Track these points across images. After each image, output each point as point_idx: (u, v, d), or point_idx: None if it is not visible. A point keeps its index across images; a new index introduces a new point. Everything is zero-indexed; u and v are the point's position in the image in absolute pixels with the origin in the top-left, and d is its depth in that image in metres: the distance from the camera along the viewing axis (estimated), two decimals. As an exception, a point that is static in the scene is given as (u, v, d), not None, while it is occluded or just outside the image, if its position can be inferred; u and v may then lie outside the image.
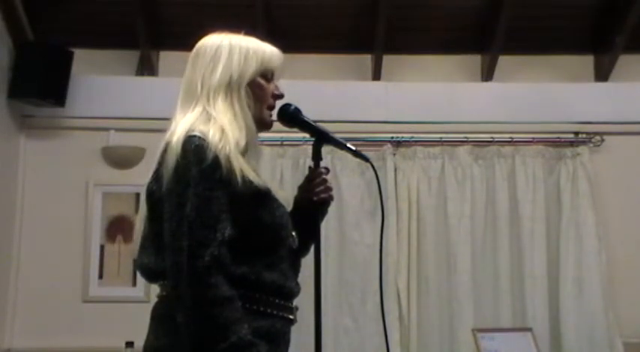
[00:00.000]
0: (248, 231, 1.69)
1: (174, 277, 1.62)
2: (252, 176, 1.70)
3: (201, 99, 1.78)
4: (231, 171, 1.66)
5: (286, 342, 1.77)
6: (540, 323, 4.16)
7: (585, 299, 4.21)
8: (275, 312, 1.73)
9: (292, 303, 1.79)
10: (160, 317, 1.73)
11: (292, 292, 1.79)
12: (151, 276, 1.78)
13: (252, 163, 1.75)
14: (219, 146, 1.67)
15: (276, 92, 1.88)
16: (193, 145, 1.66)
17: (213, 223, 1.62)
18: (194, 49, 1.87)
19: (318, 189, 1.90)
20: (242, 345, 1.58)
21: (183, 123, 1.73)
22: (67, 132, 4.42)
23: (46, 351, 4.16)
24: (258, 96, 1.83)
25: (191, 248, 1.60)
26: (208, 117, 1.74)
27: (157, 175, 1.73)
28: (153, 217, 1.74)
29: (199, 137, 1.68)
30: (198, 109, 1.76)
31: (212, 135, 1.68)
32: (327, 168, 1.94)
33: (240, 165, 1.68)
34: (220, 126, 1.72)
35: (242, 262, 1.67)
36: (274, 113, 1.90)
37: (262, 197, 1.73)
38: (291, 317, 1.78)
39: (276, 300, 1.73)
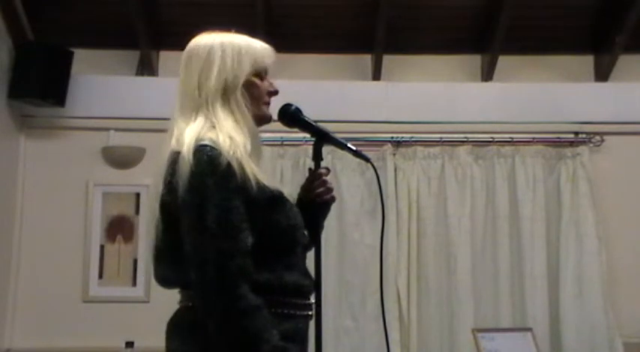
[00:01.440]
0: (265, 236, 1.68)
1: (201, 290, 1.61)
2: (265, 180, 1.70)
3: (201, 107, 1.76)
4: (245, 177, 1.65)
5: (307, 340, 1.79)
6: (540, 323, 4.16)
7: (585, 299, 4.21)
8: (297, 313, 1.74)
9: (309, 299, 1.80)
10: (189, 325, 1.70)
11: (310, 289, 1.80)
12: (171, 285, 1.76)
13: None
14: (231, 152, 1.65)
15: (271, 89, 1.87)
16: (206, 155, 1.64)
17: (235, 233, 1.62)
18: (185, 51, 1.85)
19: (319, 190, 1.91)
20: None
21: (189, 132, 1.71)
22: (67, 132, 4.42)
23: (46, 351, 4.16)
24: (254, 95, 1.82)
25: (216, 260, 1.59)
26: (212, 125, 1.73)
27: (170, 187, 1.69)
28: (168, 228, 1.71)
29: (211, 146, 1.66)
30: (201, 119, 1.74)
31: (222, 141, 1.67)
32: (327, 169, 1.94)
33: (252, 170, 1.68)
34: (227, 132, 1.70)
35: (263, 268, 1.67)
36: (275, 113, 1.89)
37: (276, 200, 1.73)
38: (310, 313, 1.79)
39: (298, 301, 1.75)
